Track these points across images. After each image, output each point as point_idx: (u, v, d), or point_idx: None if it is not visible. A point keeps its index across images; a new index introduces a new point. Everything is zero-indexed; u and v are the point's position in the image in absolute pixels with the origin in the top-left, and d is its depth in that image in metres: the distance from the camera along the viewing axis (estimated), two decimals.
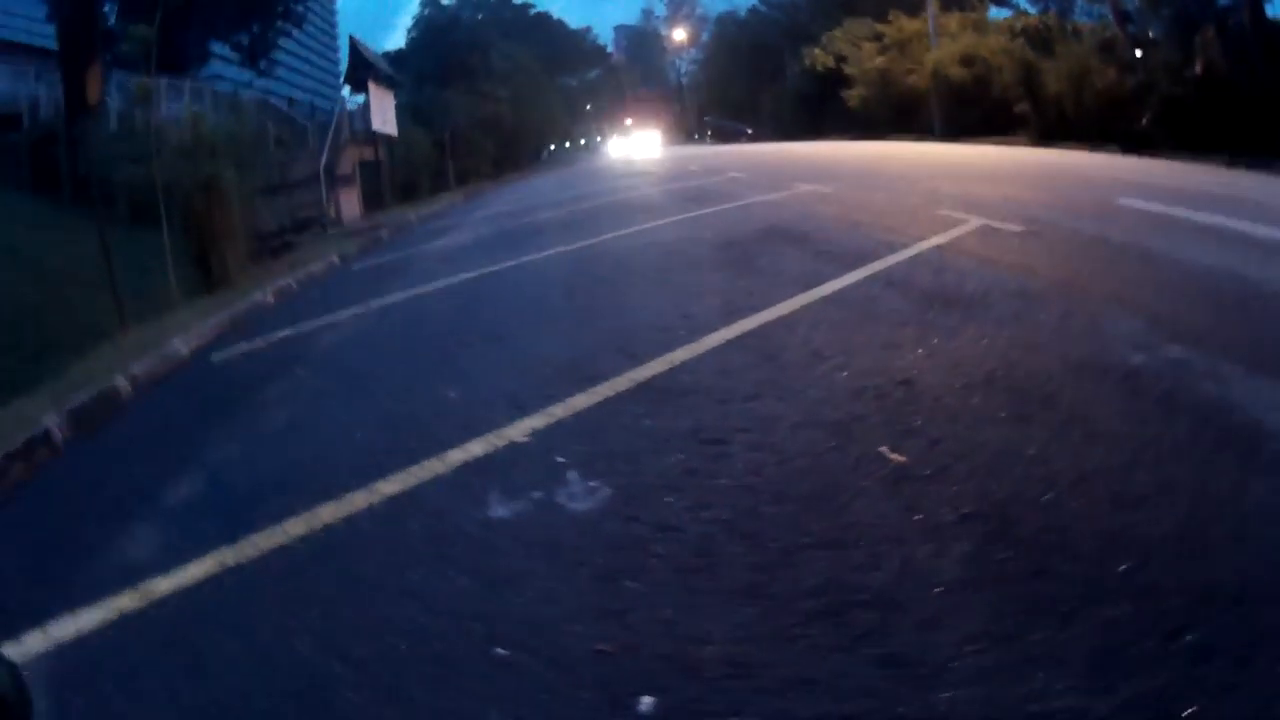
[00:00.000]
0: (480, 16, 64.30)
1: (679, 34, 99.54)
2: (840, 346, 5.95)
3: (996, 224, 9.99)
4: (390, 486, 4.49)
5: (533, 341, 7.19)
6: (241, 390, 7.15)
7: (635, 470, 4.36)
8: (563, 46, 78.17)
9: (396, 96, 33.49)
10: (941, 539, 3.43)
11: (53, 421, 6.44)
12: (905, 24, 44.88)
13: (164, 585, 3.77)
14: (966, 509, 3.62)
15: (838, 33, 51.00)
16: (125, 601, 3.67)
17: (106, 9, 30.58)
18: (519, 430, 5.03)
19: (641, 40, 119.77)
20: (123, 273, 10.96)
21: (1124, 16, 32.47)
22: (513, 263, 11.38)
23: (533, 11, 75.14)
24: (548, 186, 30.27)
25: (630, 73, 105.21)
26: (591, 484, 4.23)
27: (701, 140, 71.69)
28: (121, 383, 7.54)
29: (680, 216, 13.73)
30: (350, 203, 26.40)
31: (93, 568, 4.11)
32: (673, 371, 5.80)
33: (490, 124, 46.18)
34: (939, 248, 8.82)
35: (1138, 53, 29.16)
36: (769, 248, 9.81)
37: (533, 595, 3.37)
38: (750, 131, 65.89)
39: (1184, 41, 26.18)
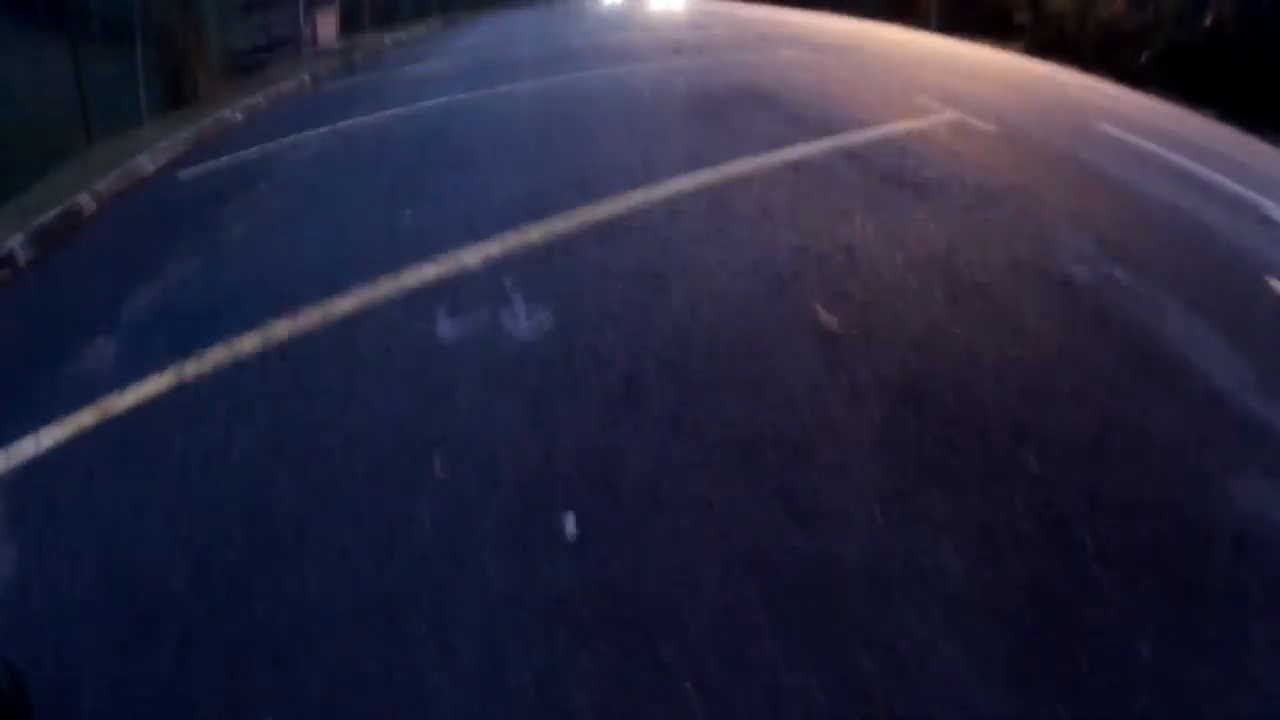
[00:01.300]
0: None
1: None
2: (791, 208, 6.06)
3: (971, 120, 9.70)
4: (343, 304, 4.62)
5: (495, 171, 7.22)
6: (204, 207, 7.16)
7: (577, 301, 4.54)
8: None
9: None
10: (857, 398, 3.64)
11: (15, 241, 6.48)
12: None
13: (121, 402, 3.92)
14: (886, 373, 3.83)
15: None
16: (84, 418, 3.82)
17: None
18: (473, 255, 5.15)
19: None
20: (95, 91, 10.81)
21: None
22: (485, 92, 11.23)
23: None
24: (529, 21, 29.60)
25: None
26: (534, 309, 4.41)
27: None
28: (85, 200, 7.55)
29: (658, 65, 13.52)
30: (328, 24, 25.66)
31: (53, 385, 4.22)
32: (627, 213, 5.88)
33: None
34: (910, 132, 8.70)
35: None
36: (740, 106, 9.72)
37: (469, 409, 3.60)
38: None
39: None
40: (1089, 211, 6.79)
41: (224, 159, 8.94)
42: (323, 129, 9.79)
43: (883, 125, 8.91)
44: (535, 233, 5.49)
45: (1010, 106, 11.70)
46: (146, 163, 8.76)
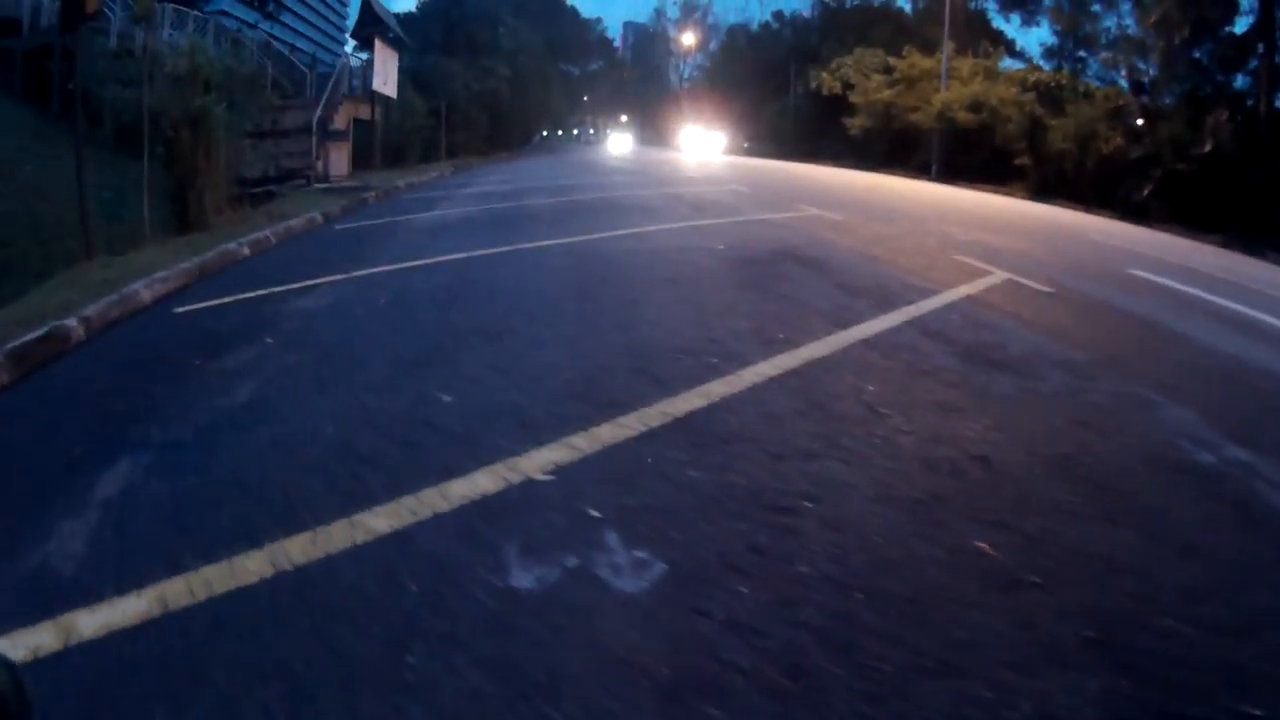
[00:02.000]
0: None
1: (687, 38, 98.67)
2: (894, 402, 5.31)
3: (1021, 280, 9.57)
4: (377, 521, 3.67)
5: (537, 345, 6.40)
6: (201, 353, 6.30)
7: (689, 540, 3.57)
8: (570, 33, 77.63)
9: (400, 59, 32.73)
10: (1059, 659, 2.92)
11: None
12: (918, 60, 44.80)
13: (86, 623, 3.03)
14: (1079, 623, 3.10)
15: (848, 60, 50.83)
16: (45, 638, 2.95)
17: None
18: (535, 463, 4.24)
19: (648, 40, 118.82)
20: (98, 199, 10.34)
21: (1139, 86, 32.47)
22: (506, 248, 10.61)
23: None
24: (539, 171, 29.62)
25: (632, 70, 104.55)
26: (638, 554, 3.46)
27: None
28: (73, 325, 6.86)
29: (682, 224, 13.11)
30: (339, 160, 25.66)
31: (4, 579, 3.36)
32: (712, 410, 5.05)
33: (488, 100, 45.58)
34: (970, 299, 8.28)
35: (1140, 122, 29.12)
36: (785, 271, 9.22)
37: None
38: (746, 145, 65.64)
39: (1194, 119, 26.20)
40: (1174, 378, 6.49)
41: (226, 299, 8.18)
42: (336, 276, 9.07)
43: (942, 292, 8.48)
44: (607, 433, 4.62)
45: (1045, 260, 11.84)
46: (143, 291, 8.08)
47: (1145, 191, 24.32)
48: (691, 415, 4.92)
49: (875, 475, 4.27)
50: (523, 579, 3.27)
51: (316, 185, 20.96)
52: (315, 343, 6.63)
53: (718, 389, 5.35)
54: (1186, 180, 23.24)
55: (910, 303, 7.89)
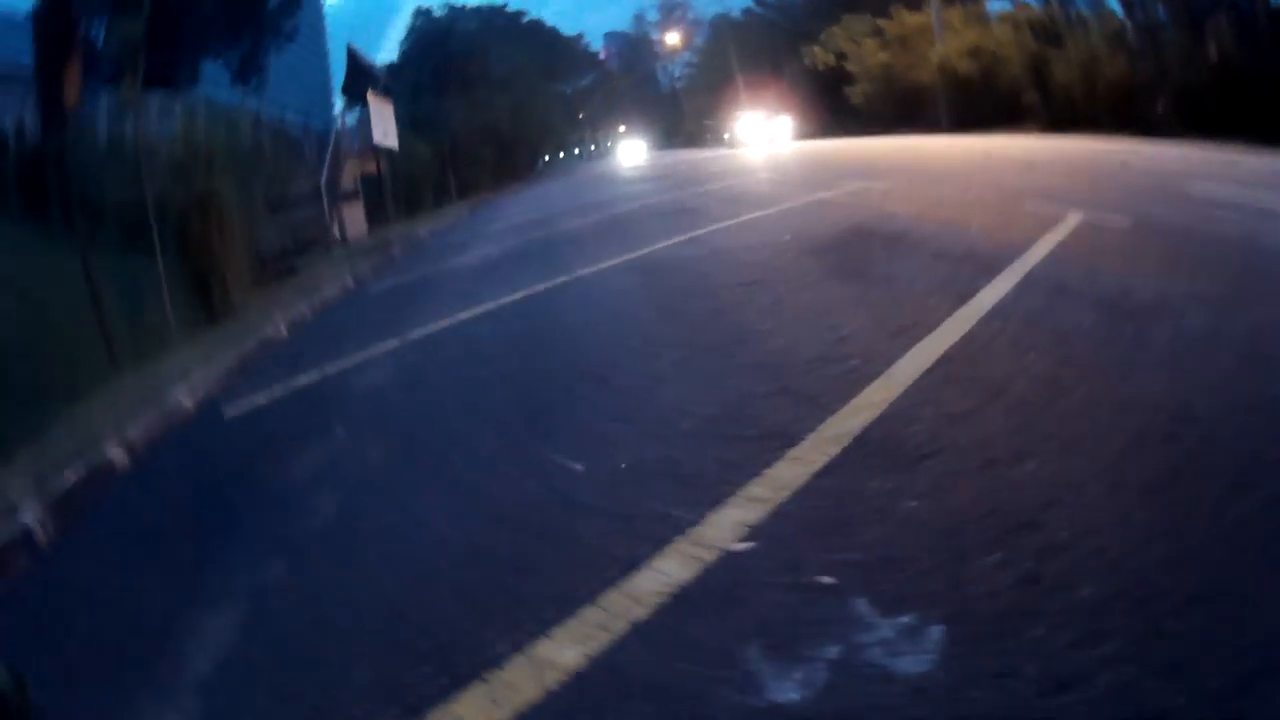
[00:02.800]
0: (474, 26, 63.34)
1: (672, 38, 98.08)
2: (1071, 374, 4.48)
3: (1097, 219, 8.74)
4: (562, 652, 2.72)
5: (651, 381, 5.50)
6: (265, 462, 5.44)
7: (949, 585, 2.76)
8: (556, 54, 77.16)
9: (395, 108, 32.11)
10: None
11: (32, 514, 4.96)
12: (907, 18, 43.97)
13: None
14: None
15: (837, 30, 50.07)
16: None
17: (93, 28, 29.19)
18: (721, 530, 3.32)
19: (633, 46, 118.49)
20: (115, 303, 9.56)
21: (1130, 5, 31.48)
22: (564, 278, 9.70)
23: (525, 19, 74.05)
24: (559, 194, 28.84)
25: (623, 78, 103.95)
26: (904, 620, 2.61)
27: (697, 147, 68.72)
28: (116, 453, 6.05)
29: (732, 221, 12.19)
30: (354, 219, 25.03)
31: None
32: (887, 420, 4.18)
33: (489, 132, 45.08)
34: (1064, 248, 7.45)
35: (1139, 43, 28.26)
36: (874, 250, 8.34)
37: None
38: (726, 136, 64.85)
39: (1194, 29, 25.39)
40: None
41: (276, 388, 7.32)
42: (390, 341, 8.19)
43: (1032, 245, 7.64)
44: (784, 473, 3.70)
45: (1105, 193, 11.16)
46: (184, 397, 7.27)
47: (1160, 108, 23.53)
48: (867, 431, 4.04)
49: (1099, 459, 3.49)
50: (785, 691, 2.39)
51: (337, 250, 20.24)
52: (393, 426, 5.72)
53: (877, 395, 4.47)
54: (1201, 92, 22.56)
55: (1011, 262, 7.02)
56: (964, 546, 2.96)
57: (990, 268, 6.86)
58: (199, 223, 12.50)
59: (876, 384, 4.63)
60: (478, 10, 66.71)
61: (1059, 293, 6.00)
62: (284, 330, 10.03)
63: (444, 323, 8.64)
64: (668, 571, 3.07)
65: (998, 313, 5.69)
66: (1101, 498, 3.17)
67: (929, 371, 4.74)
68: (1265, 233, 7.77)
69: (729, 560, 3.09)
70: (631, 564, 3.16)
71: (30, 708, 1.28)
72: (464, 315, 8.78)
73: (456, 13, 64.02)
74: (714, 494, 3.61)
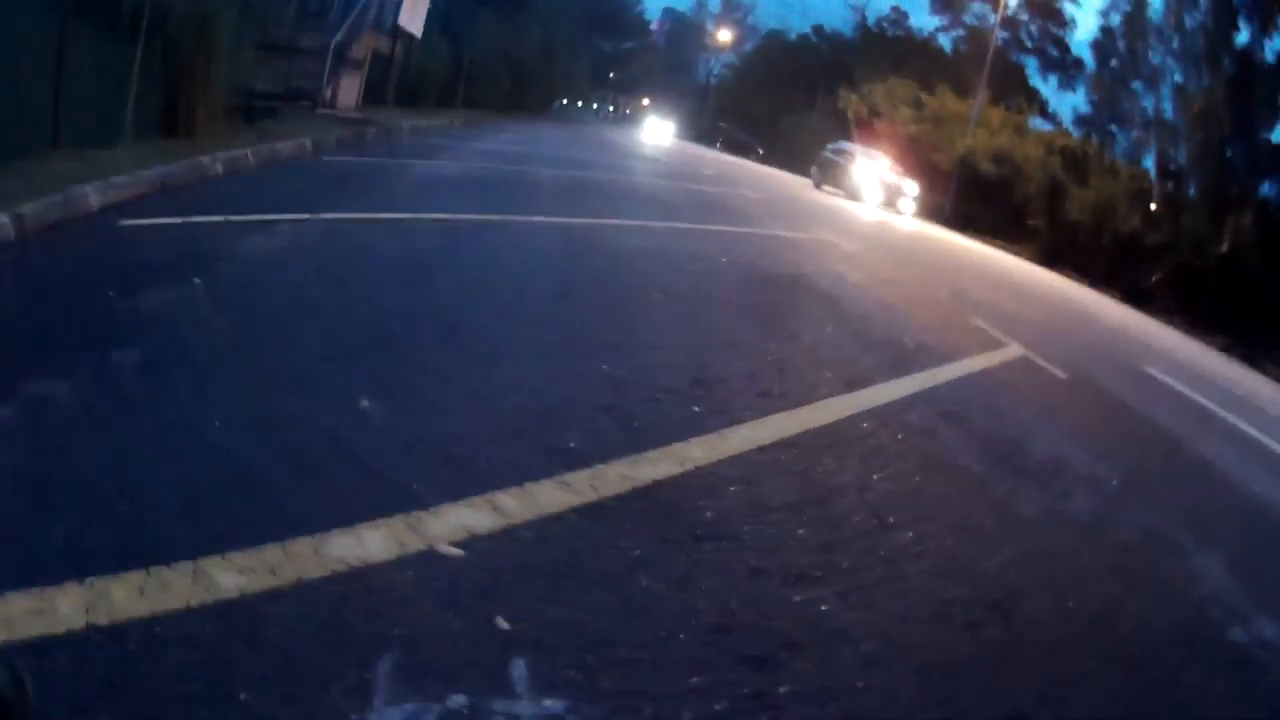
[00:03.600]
0: None
1: (724, 35, 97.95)
2: (909, 509, 4.63)
3: (1038, 359, 9.15)
4: (226, 578, 2.75)
5: (497, 351, 5.61)
6: (123, 285, 5.43)
7: (628, 692, 2.70)
8: (609, 8, 76.43)
9: (433, 1, 31.81)
10: None
11: None
12: (950, 102, 44.40)
13: None
14: None
15: (880, 87, 50.38)
16: None
17: None
18: (445, 527, 3.34)
19: (684, 29, 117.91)
20: (80, 91, 9.54)
21: (1165, 172, 32.02)
22: (497, 218, 9.92)
23: None
24: (553, 140, 28.84)
25: (664, 55, 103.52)
26: (549, 705, 2.56)
27: (711, 145, 68.51)
28: (4, 222, 6.14)
29: (693, 226, 12.41)
30: (350, 90, 24.77)
31: None
32: (685, 479, 4.27)
33: (514, 59, 44.60)
34: (986, 373, 7.78)
35: (1159, 209, 28.77)
36: (798, 304, 8.61)
37: None
38: (761, 151, 64.94)
39: (1216, 216, 25.84)
40: (1204, 520, 6.09)
41: (179, 219, 7.39)
42: (302, 215, 8.25)
43: (957, 360, 7.98)
44: (545, 494, 3.77)
45: (1061, 338, 11.64)
46: (92, 196, 7.34)
47: (1154, 279, 24.00)
48: (658, 486, 4.14)
49: (884, 627, 3.50)
50: (386, 716, 2.37)
51: (321, 111, 20.12)
52: (247, 297, 5.80)
53: (696, 452, 4.60)
54: (1199, 276, 22.94)
55: (924, 368, 7.30)
56: (669, 656, 2.92)
57: (900, 366, 7.11)
58: (190, 37, 12.39)
59: (703, 440, 4.77)
60: None
61: (950, 419, 6.25)
62: (219, 167, 10.05)
63: (357, 214, 8.79)
64: (365, 546, 3.08)
65: (875, 416, 5.89)
66: (849, 659, 3.19)
67: (764, 449, 4.88)
68: (1195, 439, 8.31)
69: (428, 560, 3.12)
70: (339, 522, 3.18)
71: (31, 707, 1.22)
72: (380, 215, 8.97)
73: None
74: (465, 488, 3.66)
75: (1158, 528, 5.58)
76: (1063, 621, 3.97)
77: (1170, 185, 30.02)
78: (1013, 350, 9.04)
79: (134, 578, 2.64)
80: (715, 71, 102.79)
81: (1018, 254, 29.08)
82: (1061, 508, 5.36)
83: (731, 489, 4.30)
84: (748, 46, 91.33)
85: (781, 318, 8.06)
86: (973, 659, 3.45)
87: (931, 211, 34.17)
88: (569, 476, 3.98)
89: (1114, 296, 22.74)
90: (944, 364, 7.67)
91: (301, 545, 3.01)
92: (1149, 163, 34.80)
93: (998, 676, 3.40)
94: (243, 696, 2.30)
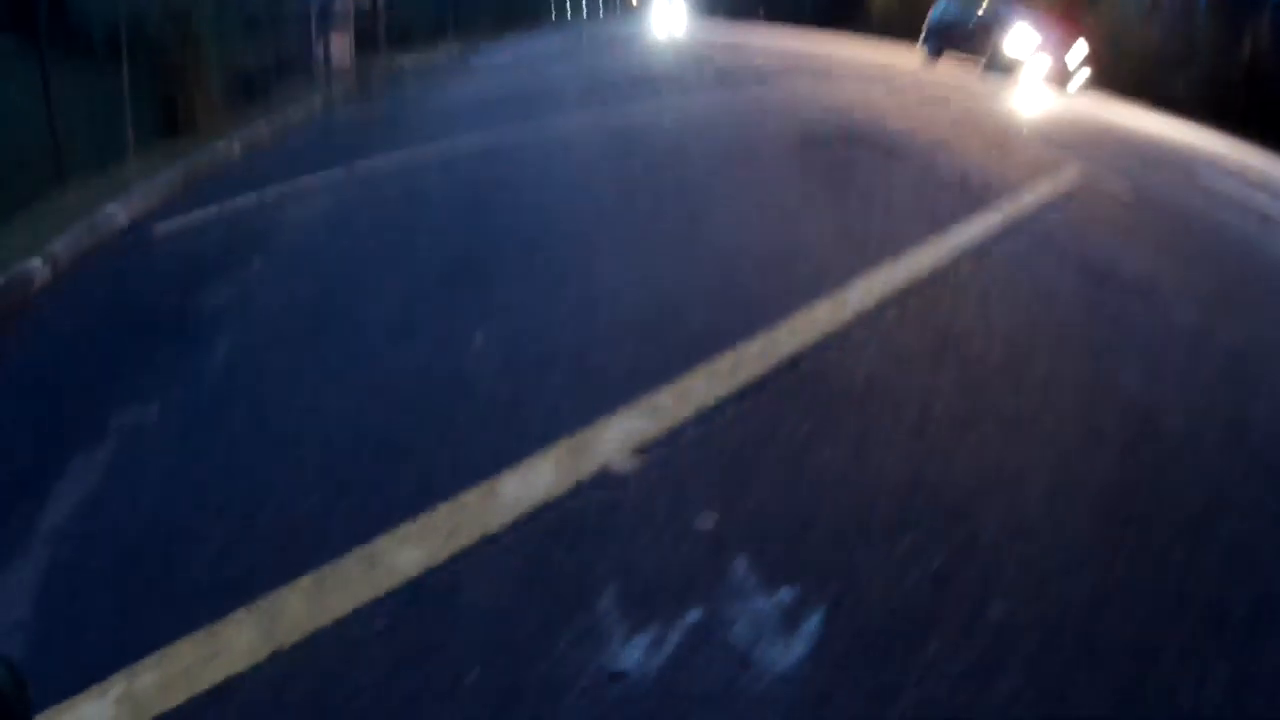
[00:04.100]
0: None
1: None
2: (1037, 339, 4.35)
3: (1099, 181, 8.60)
4: (403, 555, 2.53)
5: (586, 257, 5.21)
6: (177, 289, 5.18)
7: (847, 566, 2.58)
8: None
9: None
10: None
11: None
12: None
13: None
14: None
15: None
16: None
17: None
18: (610, 442, 3.11)
19: None
20: (74, 114, 9.21)
21: None
22: (534, 131, 9.35)
23: None
24: (557, 48, 27.93)
25: None
26: (785, 596, 2.41)
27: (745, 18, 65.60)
28: (37, 267, 5.84)
29: (723, 95, 11.82)
30: (341, 45, 24.16)
31: None
32: (821, 346, 3.95)
33: None
34: (1060, 199, 7.38)
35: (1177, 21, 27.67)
36: (857, 155, 8.08)
37: None
38: (763, 10, 63.00)
39: (1232, 23, 24.88)
40: None
41: (212, 207, 7.07)
42: (337, 173, 7.86)
43: (1028, 187, 7.46)
44: (697, 388, 3.49)
45: (1114, 155, 10.91)
46: (119, 213, 7.03)
47: (1180, 87, 23.33)
48: (798, 358, 3.81)
49: (1049, 457, 3.31)
50: (628, 654, 2.17)
51: (319, 71, 19.64)
52: (313, 265, 5.49)
53: (821, 316, 4.24)
54: (1225, 83, 22.41)
55: (1002, 201, 6.90)
56: (868, 519, 2.77)
57: (975, 202, 6.74)
58: (172, 34, 12.00)
59: (825, 304, 4.52)
60: None
61: (1041, 243, 5.92)
62: (237, 149, 9.70)
63: (392, 157, 8.37)
64: (538, 481, 2.87)
65: (972, 254, 5.54)
66: (1037, 500, 3.03)
67: (883, 303, 4.58)
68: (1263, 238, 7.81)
69: (605, 480, 2.89)
70: (501, 463, 2.95)
71: (31, 707, 1.17)
72: (414, 153, 8.52)
73: None
74: (614, 399, 3.40)
75: (1259, 332, 5.31)
76: (1206, 430, 3.75)
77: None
78: (1073, 172, 8.52)
79: (304, 584, 2.42)
80: None
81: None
82: (1170, 319, 5.07)
83: (868, 347, 4.01)
84: None
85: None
86: (1141, 478, 3.27)
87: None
88: (709, 365, 3.71)
89: (1142, 106, 21.99)
90: (1016, 192, 7.22)
91: (471, 498, 2.80)
92: None
93: (1166, 491, 3.22)
94: (469, 679, 2.08)
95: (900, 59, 22.77)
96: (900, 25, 43.52)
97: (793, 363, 3.72)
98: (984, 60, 21.84)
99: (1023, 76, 20.17)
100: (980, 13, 23.07)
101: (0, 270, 5.64)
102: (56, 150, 9.01)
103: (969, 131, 9.56)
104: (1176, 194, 8.90)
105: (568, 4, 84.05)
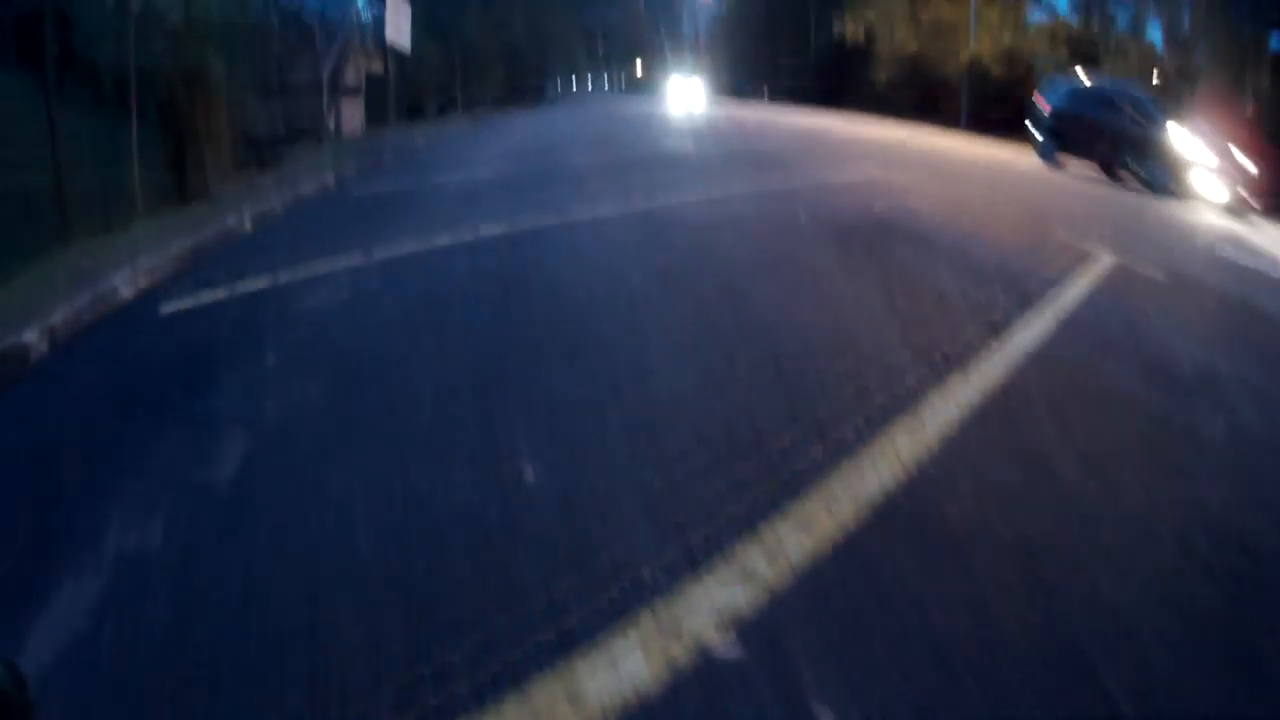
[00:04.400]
0: None
1: None
2: (1123, 458, 3.91)
3: (1132, 265, 8.11)
4: None
5: (635, 369, 4.70)
6: (186, 383, 4.76)
7: None
8: None
9: (413, 8, 31.02)
10: None
11: None
12: (944, 10, 43.18)
13: None
14: None
15: (871, 12, 49.25)
16: None
17: None
18: (704, 613, 2.62)
19: None
20: (82, 171, 8.88)
21: (1175, 41, 30.81)
22: (556, 220, 8.94)
23: None
24: (566, 125, 27.85)
25: (650, 19, 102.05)
26: None
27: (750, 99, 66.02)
28: (34, 338, 5.43)
29: (752, 184, 11.50)
30: (352, 116, 24.15)
31: None
32: (914, 485, 3.47)
33: (504, 51, 44.02)
34: (1102, 289, 6.89)
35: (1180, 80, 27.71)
36: (894, 245, 7.72)
37: None
38: (767, 91, 63.96)
39: (1233, 78, 24.88)
40: None
41: (221, 290, 6.64)
42: (354, 257, 7.46)
43: (1070, 279, 7.01)
44: (789, 540, 3.00)
45: (1138, 235, 10.49)
46: (123, 287, 6.63)
47: None
48: (894, 498, 3.34)
49: (1133, 585, 2.87)
50: None
51: (329, 145, 19.44)
52: (332, 365, 4.99)
53: (903, 443, 3.81)
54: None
55: (1044, 291, 6.51)
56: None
57: (1024, 295, 6.37)
58: (184, 96, 11.75)
59: (904, 426, 4.02)
60: None
61: (1101, 347, 5.46)
62: (249, 224, 9.33)
63: (413, 246, 7.91)
64: (625, 672, 2.36)
65: (1035, 358, 5.18)
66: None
67: (965, 418, 4.16)
68: None
69: (705, 662, 2.41)
70: (572, 647, 2.46)
71: (31, 707, 1.23)
72: (438, 242, 8.04)
73: None
74: (699, 555, 2.93)
75: None
76: None
77: (1179, 56, 28.91)
78: (1107, 260, 8.02)
79: None
80: (701, 27, 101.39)
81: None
82: (1239, 423, 4.55)
83: (961, 486, 3.51)
84: None
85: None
86: (1230, 605, 2.85)
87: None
88: (795, 507, 3.24)
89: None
90: (1059, 284, 6.80)
91: (540, 696, 2.30)
92: (1154, 35, 33.48)
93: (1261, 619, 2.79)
94: None
95: (984, 149, 21.62)
96: (905, 100, 44.03)
97: (887, 504, 3.27)
98: (1140, 172, 16.73)
99: (1207, 203, 14.97)
100: (1129, 110, 17.63)
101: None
102: (62, 202, 8.64)
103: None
104: None
105: (573, 78, 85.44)
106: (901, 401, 4.25)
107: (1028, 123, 20.89)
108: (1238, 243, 10.53)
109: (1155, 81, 27.91)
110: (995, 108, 35.91)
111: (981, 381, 4.58)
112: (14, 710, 1.19)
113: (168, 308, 6.30)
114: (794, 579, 2.79)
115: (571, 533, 3.05)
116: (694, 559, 2.87)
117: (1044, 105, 20.12)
